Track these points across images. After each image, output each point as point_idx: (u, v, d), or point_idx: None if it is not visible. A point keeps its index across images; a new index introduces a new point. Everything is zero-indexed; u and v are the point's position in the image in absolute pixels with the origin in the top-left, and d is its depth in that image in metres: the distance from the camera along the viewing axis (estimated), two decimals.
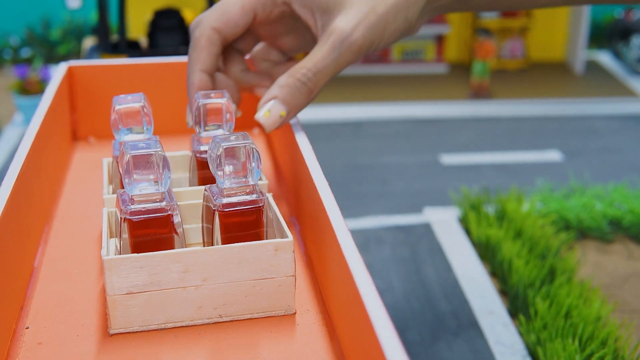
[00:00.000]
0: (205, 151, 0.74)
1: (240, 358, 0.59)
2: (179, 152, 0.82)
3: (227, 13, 0.75)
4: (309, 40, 0.81)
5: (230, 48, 0.81)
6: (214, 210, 0.63)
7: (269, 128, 0.74)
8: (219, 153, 0.62)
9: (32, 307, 0.65)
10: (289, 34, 0.81)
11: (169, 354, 0.59)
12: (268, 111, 0.73)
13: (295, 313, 0.64)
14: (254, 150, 0.63)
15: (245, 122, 1.04)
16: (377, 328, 0.48)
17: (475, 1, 0.80)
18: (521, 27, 3.56)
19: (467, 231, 1.97)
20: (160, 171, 0.62)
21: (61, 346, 0.60)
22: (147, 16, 2.89)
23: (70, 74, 1.00)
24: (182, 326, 0.62)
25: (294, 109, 0.74)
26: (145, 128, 0.75)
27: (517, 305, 1.60)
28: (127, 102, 0.74)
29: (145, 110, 0.75)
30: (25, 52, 3.66)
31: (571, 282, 1.63)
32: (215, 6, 0.76)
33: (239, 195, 0.63)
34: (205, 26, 0.75)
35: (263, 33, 0.81)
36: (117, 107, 0.74)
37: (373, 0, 0.72)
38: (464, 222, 2.02)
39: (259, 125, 1.04)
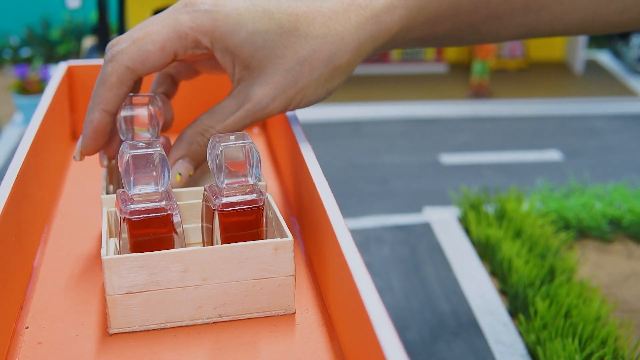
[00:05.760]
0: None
1: (240, 358, 0.59)
2: None
3: (145, 52, 0.69)
4: (221, 72, 0.79)
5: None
6: (214, 209, 0.63)
7: (177, 187, 0.72)
8: (218, 153, 0.62)
9: (32, 307, 0.65)
10: (203, 70, 0.81)
11: (169, 354, 0.59)
12: (179, 175, 0.73)
13: (294, 313, 0.64)
14: (254, 150, 0.63)
15: None
16: (377, 328, 0.48)
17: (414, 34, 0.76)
18: None
19: (467, 231, 1.97)
20: (160, 171, 0.62)
21: (61, 346, 0.60)
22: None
23: (70, 73, 1.00)
24: (182, 326, 0.62)
25: (199, 166, 0.74)
26: (150, 132, 0.75)
27: (517, 305, 1.60)
28: (133, 110, 0.74)
29: (152, 113, 0.74)
30: (25, 52, 3.66)
31: (571, 282, 1.63)
32: (134, 40, 0.69)
33: (239, 195, 0.63)
34: (119, 64, 0.69)
35: (178, 67, 0.81)
36: (123, 114, 0.73)
37: (295, 72, 0.70)
38: (463, 221, 2.02)
39: (258, 125, 1.04)
